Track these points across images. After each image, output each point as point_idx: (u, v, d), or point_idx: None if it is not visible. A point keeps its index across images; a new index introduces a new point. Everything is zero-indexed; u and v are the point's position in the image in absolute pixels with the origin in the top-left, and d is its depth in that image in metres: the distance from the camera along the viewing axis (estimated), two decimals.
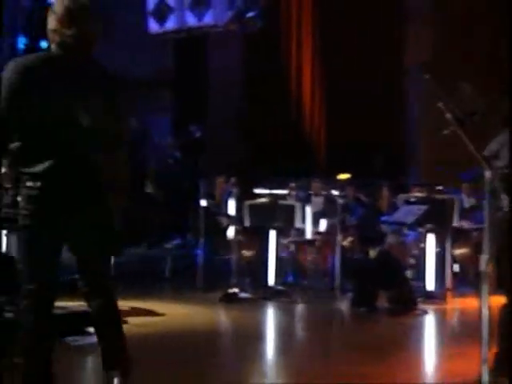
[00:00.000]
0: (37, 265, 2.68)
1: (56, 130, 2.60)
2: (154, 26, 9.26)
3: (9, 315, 4.20)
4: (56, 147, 2.61)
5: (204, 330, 5.36)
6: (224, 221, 7.71)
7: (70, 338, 4.53)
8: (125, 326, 5.06)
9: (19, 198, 2.70)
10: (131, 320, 5.35)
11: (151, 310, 5.90)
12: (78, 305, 5.24)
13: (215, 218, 7.75)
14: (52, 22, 2.68)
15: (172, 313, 5.91)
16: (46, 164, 2.59)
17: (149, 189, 9.22)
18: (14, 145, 2.67)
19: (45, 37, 2.87)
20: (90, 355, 4.50)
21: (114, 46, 10.57)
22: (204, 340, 5.01)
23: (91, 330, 4.74)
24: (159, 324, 5.46)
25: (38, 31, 2.77)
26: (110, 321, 2.83)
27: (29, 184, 2.61)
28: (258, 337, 5.22)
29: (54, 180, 2.61)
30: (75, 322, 4.76)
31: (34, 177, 2.60)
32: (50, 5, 3.00)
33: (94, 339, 4.59)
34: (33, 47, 9.31)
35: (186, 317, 5.86)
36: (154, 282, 7.40)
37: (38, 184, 2.59)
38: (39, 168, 2.60)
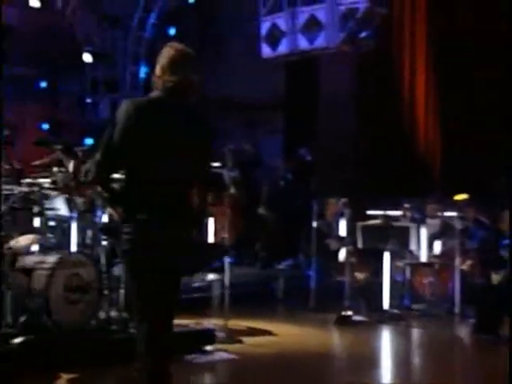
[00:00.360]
0: (141, 285, 2.84)
1: (160, 165, 2.83)
2: (266, 51, 9.44)
3: (133, 331, 4.40)
4: (160, 181, 2.83)
5: (317, 352, 5.32)
6: (334, 242, 7.65)
7: (189, 356, 4.66)
8: (240, 346, 5.24)
9: (123, 225, 2.85)
10: (246, 340, 5.44)
11: (266, 329, 5.95)
12: (195, 323, 5.45)
13: (327, 239, 7.71)
14: (157, 70, 2.94)
15: (285, 333, 5.92)
16: (150, 197, 2.81)
17: (261, 210, 9.36)
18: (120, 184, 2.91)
19: None
20: (208, 373, 4.64)
21: (229, 71, 10.95)
22: (317, 362, 4.98)
23: (209, 348, 4.90)
24: (273, 344, 5.49)
25: None
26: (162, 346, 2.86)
27: (136, 215, 2.80)
28: (372, 362, 5.10)
29: (156, 213, 2.81)
30: (194, 340, 4.90)
31: (140, 209, 2.80)
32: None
33: (213, 357, 4.75)
34: None
35: (299, 338, 5.85)
36: (267, 303, 7.46)
37: (143, 215, 2.79)
38: (144, 201, 2.81)
